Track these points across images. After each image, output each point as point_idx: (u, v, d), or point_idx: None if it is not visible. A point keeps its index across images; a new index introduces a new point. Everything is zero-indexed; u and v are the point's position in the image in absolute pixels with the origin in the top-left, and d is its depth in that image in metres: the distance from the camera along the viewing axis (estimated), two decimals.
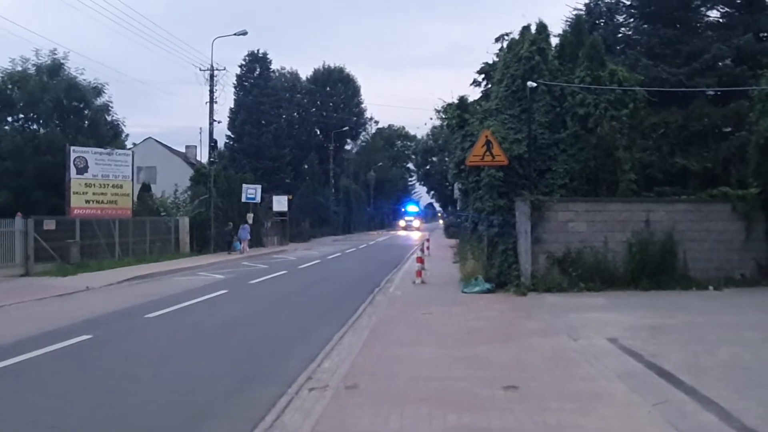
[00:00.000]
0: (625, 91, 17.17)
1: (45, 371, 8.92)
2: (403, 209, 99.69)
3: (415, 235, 64.53)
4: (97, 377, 8.59)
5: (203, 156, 42.85)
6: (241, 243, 34.58)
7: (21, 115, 28.11)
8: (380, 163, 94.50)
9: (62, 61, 28.71)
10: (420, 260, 19.21)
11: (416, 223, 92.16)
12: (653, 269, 15.78)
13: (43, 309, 14.54)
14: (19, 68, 27.87)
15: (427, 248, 31.62)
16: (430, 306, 14.06)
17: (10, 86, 27.60)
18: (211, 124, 34.99)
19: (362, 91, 79.63)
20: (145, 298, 16.05)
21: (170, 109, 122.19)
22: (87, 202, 25.55)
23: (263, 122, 57.95)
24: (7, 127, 27.75)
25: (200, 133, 37.32)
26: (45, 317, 13.20)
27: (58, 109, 28.03)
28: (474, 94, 26.19)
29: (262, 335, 11.73)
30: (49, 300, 15.81)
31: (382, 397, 7.07)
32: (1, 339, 10.73)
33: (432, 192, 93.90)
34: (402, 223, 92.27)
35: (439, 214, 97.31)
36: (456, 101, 18.75)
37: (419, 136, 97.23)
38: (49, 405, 7.27)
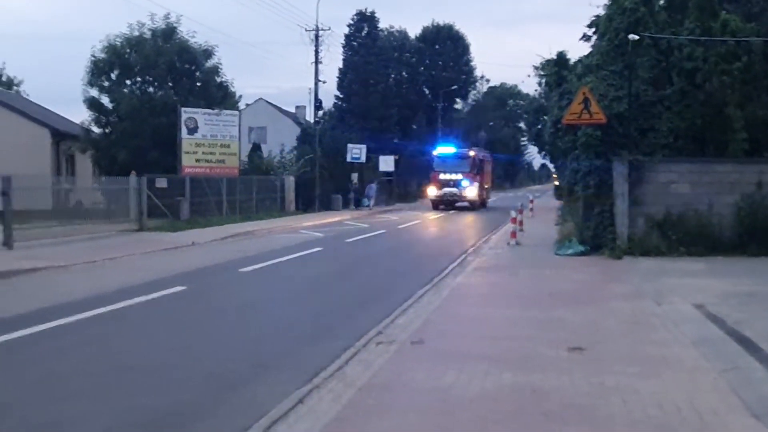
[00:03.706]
0: (738, 42, 16.00)
1: (136, 318, 9.55)
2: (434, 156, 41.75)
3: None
4: (181, 325, 9.13)
5: (312, 116, 43.73)
6: (369, 199, 38.64)
7: (138, 78, 29.59)
8: (491, 123, 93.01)
9: (175, 25, 29.91)
10: (514, 221, 18.93)
11: (468, 188, 39.09)
12: (764, 234, 14.82)
13: (149, 261, 15.46)
14: (136, 33, 29.30)
15: (531, 209, 31.13)
16: (518, 267, 13.90)
17: (128, 50, 29.05)
18: (316, 84, 35.61)
19: (473, 49, 78.21)
20: (244, 254, 16.74)
21: (281, 71, 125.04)
22: (197, 161, 26.75)
23: (371, 82, 58.15)
24: (125, 90, 29.31)
25: (309, 93, 37.92)
26: (149, 269, 14.03)
27: (171, 72, 29.27)
28: (583, 49, 25.14)
29: (346, 291, 12.00)
30: (156, 253, 16.77)
31: (444, 353, 7.12)
32: (106, 288, 11.53)
33: (543, 152, 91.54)
34: (433, 189, 39.78)
35: (554, 175, 73.86)
36: (554, 57, 18.16)
37: (531, 94, 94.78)
38: (132, 348, 7.80)
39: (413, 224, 28.12)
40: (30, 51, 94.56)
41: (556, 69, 17.85)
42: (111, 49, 28.80)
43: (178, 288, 11.51)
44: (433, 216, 33.69)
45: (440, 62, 73.42)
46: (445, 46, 73.91)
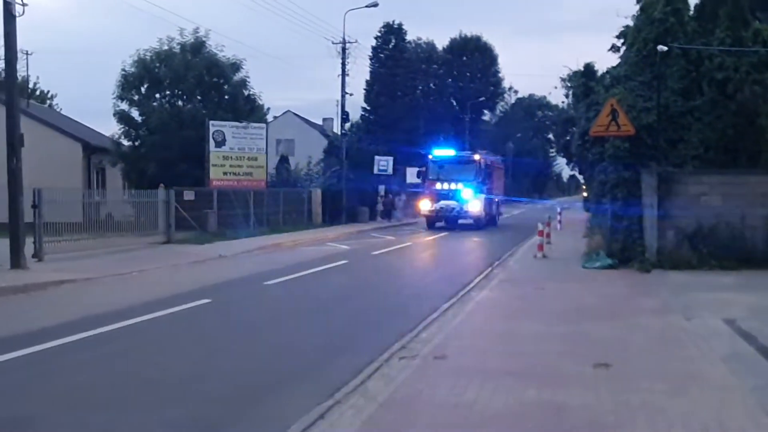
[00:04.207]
0: None
1: (162, 330, 9.61)
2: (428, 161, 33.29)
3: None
4: (206, 338, 9.16)
5: (339, 128, 43.90)
6: (396, 211, 38.90)
7: (167, 92, 29.97)
8: (519, 134, 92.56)
9: (204, 39, 30.25)
10: (541, 233, 18.75)
11: (472, 202, 31.23)
12: None
13: (176, 274, 15.57)
14: (166, 47, 29.67)
15: (559, 221, 30.86)
16: (544, 281, 13.74)
17: (157, 64, 29.44)
18: (343, 96, 35.72)
19: (500, 60, 78.14)
20: (269, 266, 16.78)
21: (308, 83, 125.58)
22: (224, 174, 26.95)
23: (398, 94, 58.31)
24: (155, 103, 29.70)
25: (336, 105, 38.15)
26: (176, 282, 14.16)
27: (200, 85, 29.59)
28: (612, 60, 24.92)
29: (370, 304, 11.96)
30: (184, 266, 16.88)
31: (467, 368, 7.04)
32: (134, 300, 11.63)
33: (571, 164, 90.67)
34: (426, 203, 32.13)
35: (583, 186, 70.13)
36: (581, 69, 18.03)
37: (559, 105, 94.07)
38: (156, 360, 7.85)
39: (440, 237, 28.00)
40: (63, 65, 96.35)
41: (584, 80, 17.72)
42: (141, 64, 29.21)
43: (204, 301, 11.56)
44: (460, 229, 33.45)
45: (468, 73, 73.44)
46: (472, 58, 73.95)
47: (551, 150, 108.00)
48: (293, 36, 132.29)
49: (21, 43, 15.76)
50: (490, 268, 16.29)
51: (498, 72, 76.53)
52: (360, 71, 62.24)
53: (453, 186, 30.99)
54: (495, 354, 7.70)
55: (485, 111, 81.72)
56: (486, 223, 32.44)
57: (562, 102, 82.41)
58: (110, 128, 32.12)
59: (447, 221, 31.98)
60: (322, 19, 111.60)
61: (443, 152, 33.61)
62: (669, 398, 5.85)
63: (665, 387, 6.19)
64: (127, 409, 6.11)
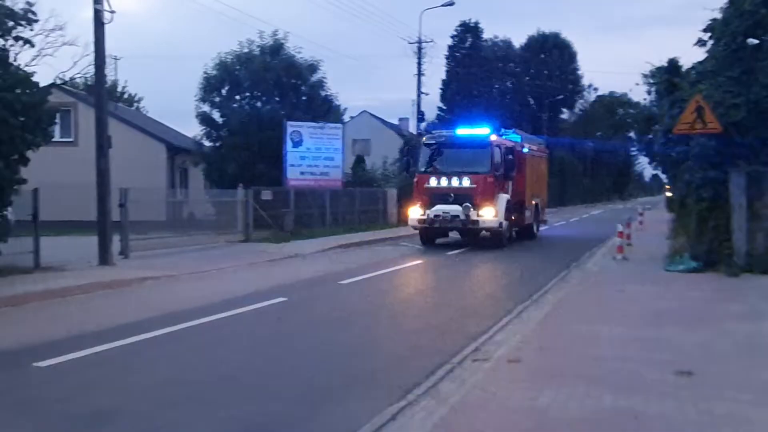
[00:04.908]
0: None
1: (238, 328, 9.80)
2: (422, 145, 23.45)
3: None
4: (279, 336, 9.29)
5: (415, 128, 43.88)
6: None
7: (247, 94, 30.67)
8: (599, 133, 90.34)
9: (282, 41, 30.86)
10: (621, 235, 18.22)
11: (485, 207, 20.61)
12: None
13: (253, 272, 15.89)
14: (246, 50, 30.42)
15: (640, 222, 29.99)
16: (625, 283, 13.33)
17: (237, 67, 30.20)
18: (419, 96, 35.78)
19: (580, 57, 76.62)
20: (344, 265, 16.92)
21: (384, 83, 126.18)
22: (301, 173, 27.37)
23: (474, 93, 57.95)
24: (235, 105, 30.45)
25: (412, 105, 38.19)
26: (253, 280, 14.44)
27: (278, 87, 30.18)
28: (697, 55, 23.96)
29: (443, 305, 11.87)
30: (261, 264, 17.22)
31: (541, 372, 6.90)
32: (213, 297, 11.92)
33: (654, 163, 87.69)
34: (415, 209, 21.50)
35: (666, 186, 63.53)
36: (665, 64, 17.42)
37: (641, 103, 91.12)
38: (231, 358, 8.01)
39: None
40: (149, 69, 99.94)
41: (667, 76, 17.12)
42: (222, 66, 30.04)
43: (279, 299, 11.75)
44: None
45: (546, 71, 72.29)
46: (550, 55, 72.73)
47: (632, 149, 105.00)
48: (370, 36, 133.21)
49: (110, 48, 16.44)
50: (566, 271, 15.90)
51: (577, 69, 75.09)
52: (436, 71, 62.23)
53: (455, 182, 20.95)
54: (571, 358, 7.51)
55: (563, 109, 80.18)
56: (510, 238, 22.29)
57: (644, 99, 79.77)
58: (192, 129, 33.24)
59: (445, 234, 22.79)
60: (398, 19, 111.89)
61: (442, 134, 23.12)
62: (756, 409, 5.57)
63: (751, 397, 5.90)
64: (205, 405, 6.26)
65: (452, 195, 20.82)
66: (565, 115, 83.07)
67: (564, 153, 75.16)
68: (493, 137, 21.69)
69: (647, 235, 25.01)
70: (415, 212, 21.45)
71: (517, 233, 23.66)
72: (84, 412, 6.03)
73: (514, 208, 22.50)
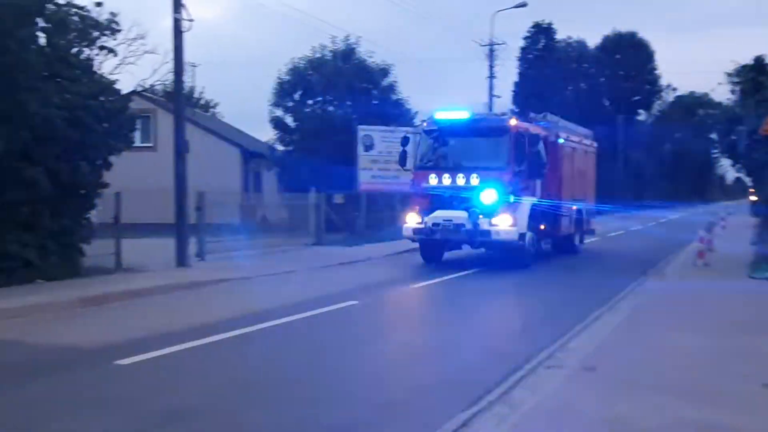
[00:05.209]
0: None
1: (311, 331, 9.91)
2: (421, 133, 18.15)
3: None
4: (349, 340, 9.29)
5: None
6: None
7: (319, 98, 31.09)
8: (677, 134, 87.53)
9: (354, 46, 31.19)
10: (702, 240, 17.55)
11: (500, 214, 16.07)
12: None
13: (325, 275, 16.05)
14: (318, 55, 30.86)
15: (723, 227, 28.86)
16: (704, 290, 12.86)
17: (310, 72, 30.67)
18: (490, 99, 35.49)
19: (657, 57, 74.42)
20: (416, 269, 16.92)
21: (455, 86, 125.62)
22: (373, 177, 27.46)
23: (548, 95, 57.05)
24: (307, 110, 30.91)
25: (484, 108, 37.86)
26: (324, 283, 14.58)
27: (350, 91, 30.46)
28: None
29: (513, 311, 11.72)
30: (332, 267, 17.36)
31: (618, 381, 6.69)
32: (284, 300, 12.09)
33: (737, 165, 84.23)
34: (412, 216, 17.13)
35: (750, 190, 57.35)
36: (751, 63, 16.76)
37: (723, 103, 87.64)
38: (304, 360, 8.09)
39: (591, 241, 26.98)
40: (224, 75, 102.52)
41: (753, 75, 16.46)
42: (295, 71, 30.56)
43: (351, 302, 11.79)
44: (613, 233, 31.87)
45: (621, 72, 70.53)
46: (626, 55, 70.91)
47: (714, 150, 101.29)
48: (440, 40, 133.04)
49: (188, 56, 16.90)
50: (643, 276, 15.42)
51: (654, 69, 73.03)
52: (508, 73, 61.56)
53: (460, 180, 16.48)
54: (649, 367, 7.26)
55: (640, 111, 78.06)
56: (550, 249, 19.37)
57: (728, 99, 77.03)
58: (266, 134, 33.87)
59: (450, 247, 18.17)
60: (469, 22, 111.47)
61: (446, 115, 17.63)
62: None
63: None
64: (279, 407, 6.31)
65: (455, 199, 16.48)
66: (642, 116, 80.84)
67: (640, 155, 73.18)
68: (513, 122, 16.98)
69: (730, 239, 24.03)
70: (410, 219, 17.18)
71: (554, 246, 20.09)
72: (162, 409, 6.18)
73: (544, 214, 17.85)
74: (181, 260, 16.20)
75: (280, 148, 31.78)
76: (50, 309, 10.85)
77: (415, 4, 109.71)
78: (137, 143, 24.00)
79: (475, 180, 16.29)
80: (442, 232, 16.46)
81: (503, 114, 17.05)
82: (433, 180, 16.81)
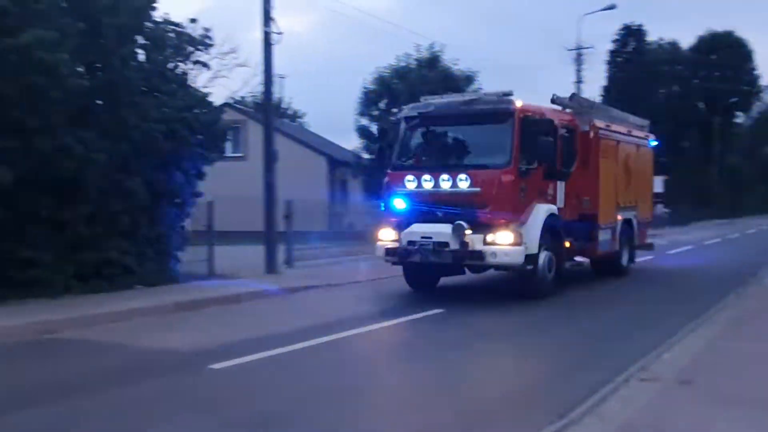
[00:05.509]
0: None
1: (398, 339, 10.10)
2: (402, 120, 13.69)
3: None
4: (437, 348, 9.22)
5: None
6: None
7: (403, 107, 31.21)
8: None
9: (439, 53, 31.24)
10: None
11: (501, 229, 11.71)
12: None
13: None
14: (402, 64, 31.06)
15: None
16: None
17: (395, 80, 30.88)
18: None
19: (757, 57, 70.90)
20: (504, 275, 16.68)
21: (541, 92, 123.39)
22: None
23: (638, 98, 55.34)
24: (393, 118, 31.04)
25: None
26: (410, 290, 14.55)
27: None
28: None
29: (605, 320, 11.41)
30: None
31: (716, 396, 6.43)
32: (371, 307, 12.29)
33: None
34: (386, 231, 12.99)
35: None
36: None
37: None
38: (392, 368, 8.22)
39: (683, 250, 26.04)
40: (311, 86, 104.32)
41: None
42: (380, 80, 30.84)
43: (437, 310, 11.76)
44: (708, 241, 30.62)
45: (717, 73, 67.55)
46: (722, 55, 67.91)
47: None
48: (526, 45, 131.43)
49: (276, 67, 17.37)
50: (741, 287, 14.71)
51: (754, 69, 69.47)
52: (596, 77, 60.23)
53: (445, 183, 12.32)
54: (749, 380, 6.94)
55: (738, 113, 74.62)
56: (552, 282, 12.95)
57: None
58: (352, 143, 34.32)
59: (433, 273, 14.02)
60: (555, 26, 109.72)
61: (434, 101, 13.75)
62: None
63: None
64: (372, 415, 6.40)
65: (442, 206, 12.20)
66: (741, 119, 77.29)
67: (738, 159, 69.99)
68: (519, 103, 12.49)
69: None
70: (383, 235, 13.15)
71: (593, 266, 16.16)
72: (255, 413, 6.35)
73: (570, 227, 13.67)
74: (271, 267, 16.61)
75: (365, 156, 32.12)
76: (149, 314, 11.36)
77: (501, 10, 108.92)
78: (229, 153, 24.88)
79: (463, 182, 12.09)
80: (421, 253, 12.25)
81: (505, 94, 12.80)
82: (410, 183, 12.68)
